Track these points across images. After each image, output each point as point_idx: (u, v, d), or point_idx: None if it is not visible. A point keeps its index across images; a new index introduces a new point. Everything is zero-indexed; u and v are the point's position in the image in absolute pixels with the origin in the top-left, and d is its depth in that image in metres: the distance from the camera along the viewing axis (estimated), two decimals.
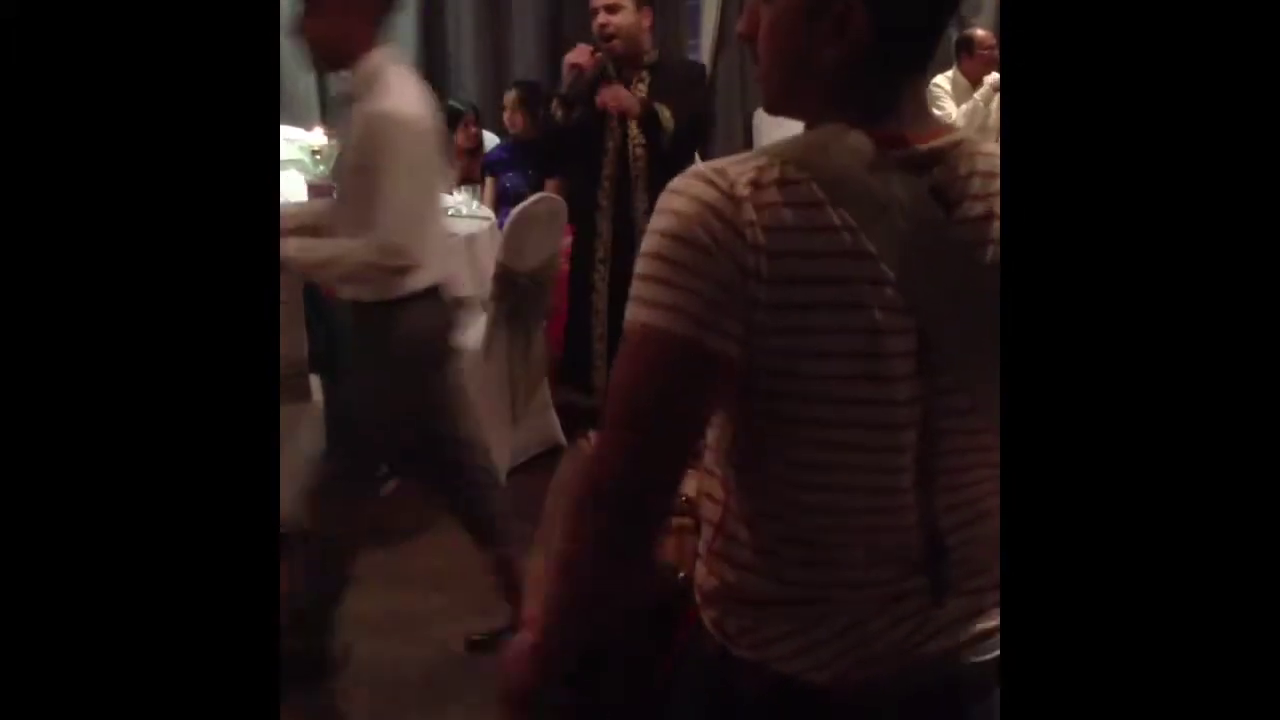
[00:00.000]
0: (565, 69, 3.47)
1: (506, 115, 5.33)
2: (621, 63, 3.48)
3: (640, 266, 1.00)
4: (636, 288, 1.00)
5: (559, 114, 3.46)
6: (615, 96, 3.41)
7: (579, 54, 3.44)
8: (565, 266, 4.15)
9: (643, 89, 3.48)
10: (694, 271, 0.97)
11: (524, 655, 1.16)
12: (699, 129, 3.55)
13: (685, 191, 0.99)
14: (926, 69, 1.09)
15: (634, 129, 3.48)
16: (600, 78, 3.44)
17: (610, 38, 3.42)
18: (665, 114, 3.39)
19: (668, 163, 3.37)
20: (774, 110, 1.12)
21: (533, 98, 5.29)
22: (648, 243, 1.00)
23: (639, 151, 3.50)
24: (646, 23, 3.52)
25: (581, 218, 3.68)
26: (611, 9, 3.42)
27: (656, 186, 3.42)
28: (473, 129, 5.38)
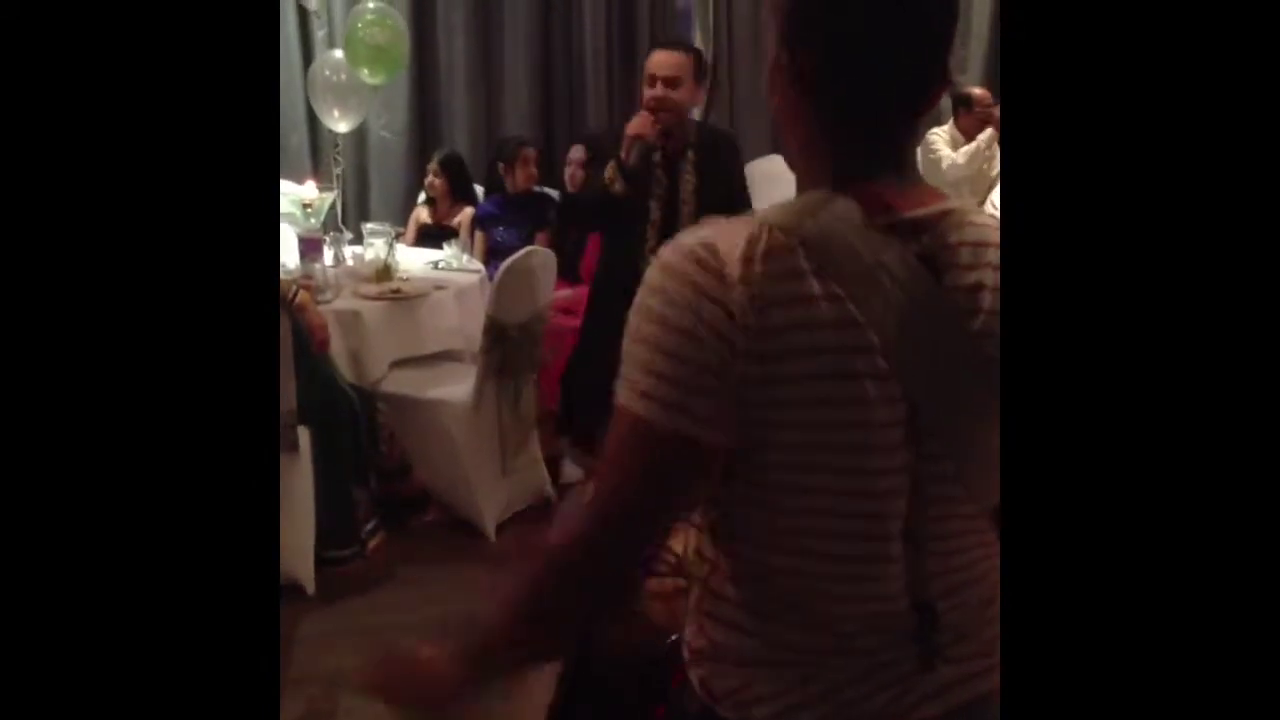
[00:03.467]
0: (627, 139, 3.23)
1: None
2: (668, 134, 3.32)
3: (629, 347, 1.00)
4: (627, 368, 1.00)
5: (617, 185, 3.25)
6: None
7: (641, 124, 3.23)
8: (555, 319, 4.17)
9: (689, 168, 3.34)
10: (681, 359, 0.97)
11: (442, 660, 1.13)
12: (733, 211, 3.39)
13: (676, 270, 0.99)
14: (905, 132, 1.08)
15: (685, 205, 3.32)
16: (650, 150, 3.28)
17: (667, 109, 3.25)
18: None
19: None
20: (793, 160, 1.12)
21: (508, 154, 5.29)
22: (637, 320, 1.00)
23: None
24: (701, 98, 3.40)
25: (610, 288, 3.43)
26: (671, 82, 3.24)
27: None
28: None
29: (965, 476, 1.06)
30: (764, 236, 0.99)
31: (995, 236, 1.06)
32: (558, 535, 1.11)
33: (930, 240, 1.04)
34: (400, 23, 5.23)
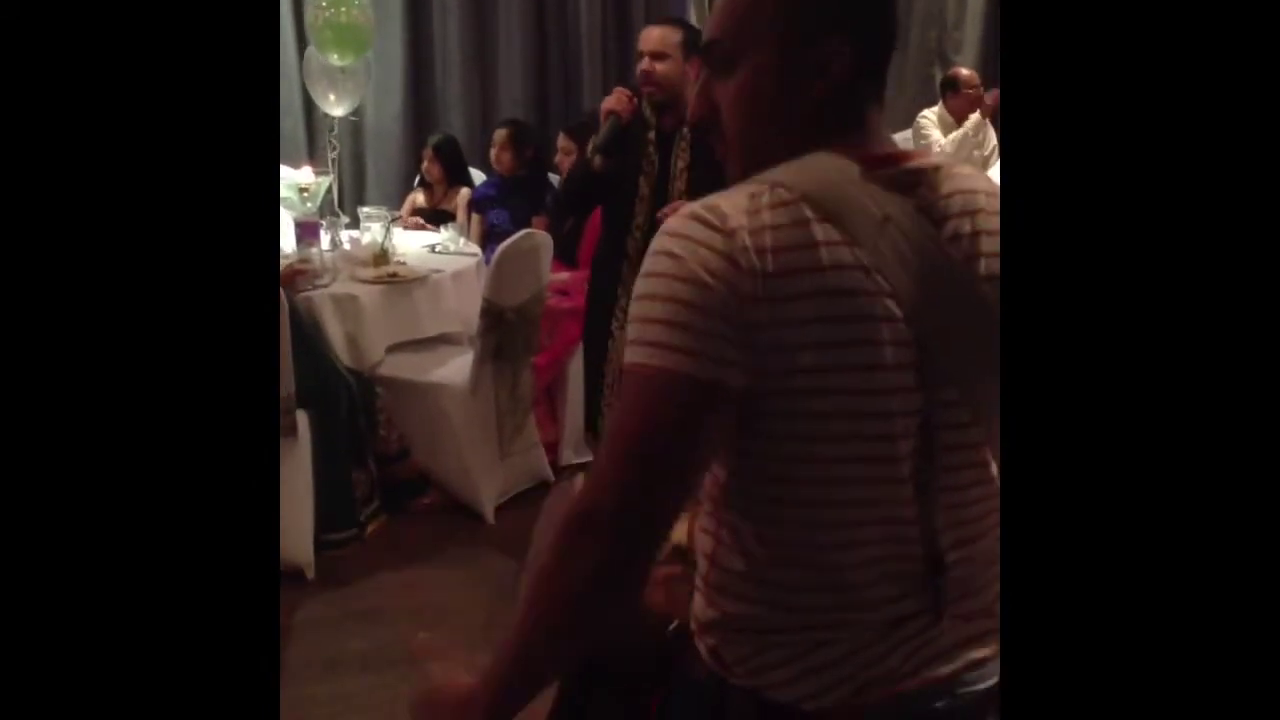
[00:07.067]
0: (602, 115, 3.31)
1: (494, 153, 5.32)
2: (664, 110, 3.33)
3: (638, 309, 1.00)
4: (636, 330, 1.00)
5: (596, 161, 3.31)
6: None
7: (616, 100, 3.30)
8: (551, 302, 4.17)
9: (684, 145, 3.31)
10: (693, 307, 0.97)
11: (471, 696, 1.10)
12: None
13: (680, 233, 1.00)
14: (882, 94, 1.13)
15: (676, 181, 3.30)
16: (638, 123, 3.30)
17: (652, 84, 3.28)
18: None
19: None
20: (747, 174, 1.09)
21: (520, 136, 5.28)
22: (644, 285, 1.01)
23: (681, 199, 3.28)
24: (694, 73, 3.28)
25: (605, 263, 3.48)
26: (657, 56, 3.27)
27: None
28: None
29: (978, 424, 1.08)
30: (766, 192, 1.01)
31: (982, 184, 1.11)
32: (577, 498, 1.03)
33: (925, 192, 1.07)
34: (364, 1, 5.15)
